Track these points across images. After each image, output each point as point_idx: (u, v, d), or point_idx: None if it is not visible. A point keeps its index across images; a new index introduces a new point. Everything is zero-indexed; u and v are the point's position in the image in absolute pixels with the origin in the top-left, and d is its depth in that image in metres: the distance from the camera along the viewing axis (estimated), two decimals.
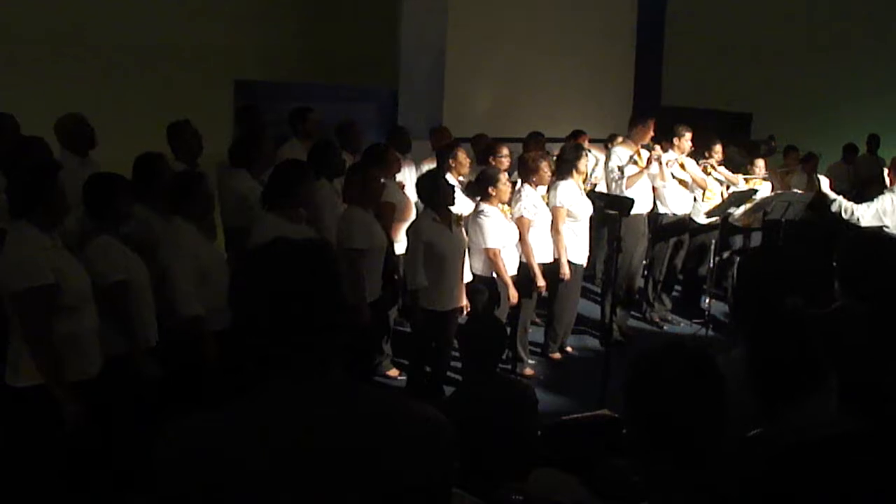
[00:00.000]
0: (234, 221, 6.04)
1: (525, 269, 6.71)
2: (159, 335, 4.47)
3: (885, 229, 7.14)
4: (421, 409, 1.86)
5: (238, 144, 6.31)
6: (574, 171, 7.11)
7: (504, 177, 6.45)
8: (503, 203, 6.49)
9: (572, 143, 8.13)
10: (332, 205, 5.99)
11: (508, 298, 6.41)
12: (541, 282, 6.74)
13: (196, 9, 8.95)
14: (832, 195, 7.49)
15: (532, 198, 6.75)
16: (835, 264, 3.47)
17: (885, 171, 7.45)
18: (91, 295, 4.01)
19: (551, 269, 6.94)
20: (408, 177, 7.37)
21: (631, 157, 7.82)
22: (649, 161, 7.82)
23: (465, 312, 6.10)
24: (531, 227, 6.70)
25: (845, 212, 7.33)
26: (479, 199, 6.47)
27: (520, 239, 6.64)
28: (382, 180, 5.99)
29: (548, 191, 7.05)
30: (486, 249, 6.31)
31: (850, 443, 2.18)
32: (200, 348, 4.51)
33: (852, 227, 7.18)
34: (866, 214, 7.22)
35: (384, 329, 6.55)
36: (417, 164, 7.94)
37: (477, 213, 6.38)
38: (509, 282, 6.39)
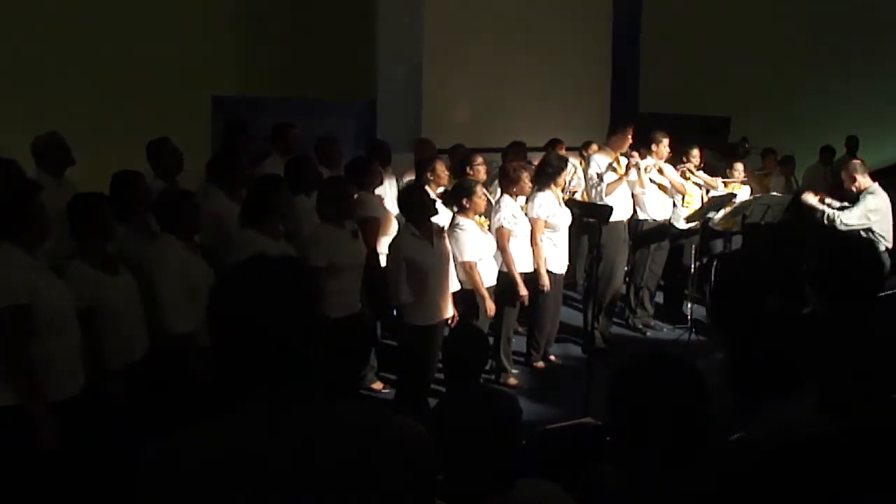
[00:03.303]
0: (210, 239, 6.00)
1: (505, 278, 6.71)
2: (148, 352, 4.45)
3: (871, 232, 7.23)
4: (401, 422, 1.86)
5: (214, 161, 6.27)
6: (553, 183, 7.12)
7: (480, 188, 6.43)
8: (479, 215, 6.48)
9: (556, 153, 8.11)
10: (303, 220, 5.96)
11: (486, 311, 6.39)
12: (523, 291, 6.73)
13: (173, 26, 8.94)
14: (819, 207, 7.57)
15: (511, 208, 6.75)
16: (805, 268, 3.49)
17: (849, 178, 7.57)
18: (73, 314, 3.98)
19: (531, 279, 6.95)
20: (387, 190, 7.35)
21: (610, 164, 7.84)
22: (628, 168, 7.84)
23: (452, 322, 6.05)
24: (511, 237, 6.70)
25: (828, 219, 7.42)
26: (454, 211, 6.45)
27: (500, 249, 6.64)
28: (356, 195, 5.95)
29: (526, 201, 7.05)
30: (463, 262, 6.29)
31: (830, 444, 2.19)
32: (189, 365, 4.48)
33: (825, 230, 7.29)
34: (851, 218, 7.31)
35: (368, 343, 6.52)
36: (398, 177, 7.92)
37: (453, 226, 6.34)
38: (486, 294, 6.37)
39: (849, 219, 7.37)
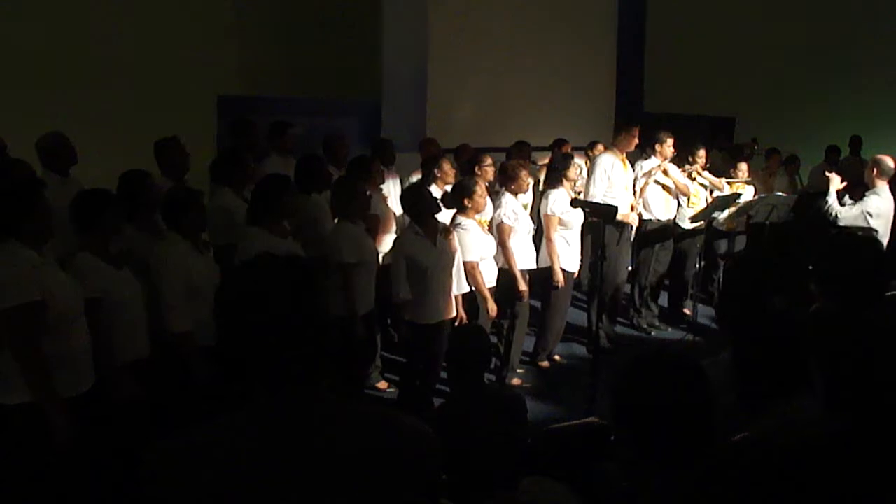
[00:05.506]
0: (220, 239, 6.00)
1: (509, 275, 6.68)
2: (152, 350, 4.47)
3: (875, 232, 7.17)
4: (406, 421, 1.87)
5: (219, 161, 6.28)
6: (563, 180, 7.12)
7: (480, 188, 6.38)
8: (480, 214, 6.46)
9: (560, 151, 8.14)
10: (319, 219, 5.97)
11: (487, 311, 6.37)
12: (523, 287, 6.71)
13: (177, 25, 8.94)
14: (830, 198, 7.52)
15: (512, 205, 6.74)
16: (811, 266, 3.50)
17: (870, 171, 7.47)
18: (82, 311, 4.00)
19: (543, 277, 6.93)
20: (392, 189, 7.36)
21: (613, 164, 7.84)
22: (646, 182, 8.00)
23: (458, 323, 6.04)
24: (512, 234, 6.69)
25: (829, 212, 7.40)
26: (455, 211, 6.43)
27: (501, 245, 6.62)
28: (368, 192, 5.98)
29: (539, 199, 7.06)
30: (465, 263, 6.28)
31: (834, 443, 2.19)
32: (190, 364, 4.51)
33: (832, 228, 7.26)
34: (847, 216, 7.29)
35: (375, 342, 6.52)
36: (404, 177, 7.93)
37: (454, 226, 6.31)
38: (487, 294, 6.35)
39: (845, 215, 7.33)
